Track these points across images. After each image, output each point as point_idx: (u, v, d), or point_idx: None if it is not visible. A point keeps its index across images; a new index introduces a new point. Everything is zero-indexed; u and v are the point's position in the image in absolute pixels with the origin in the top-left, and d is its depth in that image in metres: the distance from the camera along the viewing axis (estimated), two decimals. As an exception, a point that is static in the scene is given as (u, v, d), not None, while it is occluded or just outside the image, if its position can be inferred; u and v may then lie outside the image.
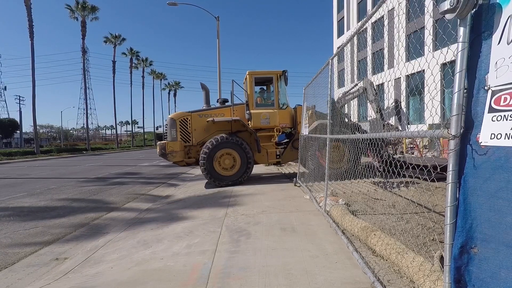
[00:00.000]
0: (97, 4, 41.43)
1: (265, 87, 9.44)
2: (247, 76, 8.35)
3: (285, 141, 9.07)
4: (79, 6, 36.84)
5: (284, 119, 8.43)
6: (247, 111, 8.17)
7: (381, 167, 5.92)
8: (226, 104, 8.75)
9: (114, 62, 47.13)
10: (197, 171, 11.00)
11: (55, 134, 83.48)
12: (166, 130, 8.28)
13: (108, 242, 4.16)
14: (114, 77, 47.10)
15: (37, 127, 33.13)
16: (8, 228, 5.12)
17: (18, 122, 54.16)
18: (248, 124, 8.23)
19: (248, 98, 8.34)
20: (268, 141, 8.37)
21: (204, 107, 8.94)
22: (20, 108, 53.52)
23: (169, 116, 8.38)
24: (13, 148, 50.97)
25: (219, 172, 7.60)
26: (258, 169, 11.00)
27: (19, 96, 55.82)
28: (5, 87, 57.67)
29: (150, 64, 57.92)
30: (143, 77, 57.84)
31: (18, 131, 56.49)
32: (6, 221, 5.56)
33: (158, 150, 8.06)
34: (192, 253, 3.31)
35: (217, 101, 9.55)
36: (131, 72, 53.45)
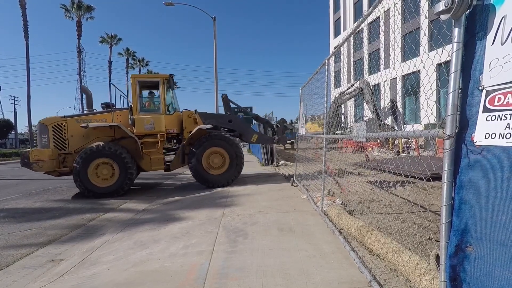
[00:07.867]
0: (93, 3, 41.02)
1: (157, 91, 8.52)
2: (131, 79, 7.91)
3: (175, 147, 8.71)
4: (75, 6, 36.56)
5: (171, 125, 8.05)
6: (131, 116, 7.77)
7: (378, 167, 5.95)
8: (110, 108, 8.28)
9: (110, 62, 46.89)
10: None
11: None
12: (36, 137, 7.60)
13: (105, 243, 4.13)
14: (110, 77, 46.97)
15: (32, 127, 32.84)
16: (2, 230, 5.06)
17: (13, 122, 53.56)
18: (132, 130, 7.77)
19: (132, 103, 7.87)
20: (153, 147, 7.92)
21: (86, 112, 8.46)
22: (15, 109, 52.96)
23: (39, 121, 7.72)
24: (8, 149, 50.45)
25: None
26: (255, 169, 11.00)
27: (13, 96, 54.89)
28: (0, 87, 56.90)
29: (147, 64, 57.61)
30: (139, 77, 57.57)
31: (13, 132, 55.84)
32: (1, 223, 5.50)
33: (20, 160, 7.41)
34: (189, 254, 3.30)
35: (101, 106, 9.04)
36: (127, 72, 53.09)
